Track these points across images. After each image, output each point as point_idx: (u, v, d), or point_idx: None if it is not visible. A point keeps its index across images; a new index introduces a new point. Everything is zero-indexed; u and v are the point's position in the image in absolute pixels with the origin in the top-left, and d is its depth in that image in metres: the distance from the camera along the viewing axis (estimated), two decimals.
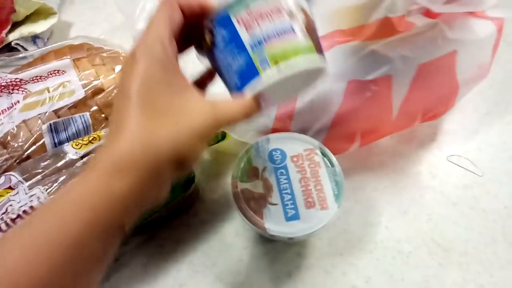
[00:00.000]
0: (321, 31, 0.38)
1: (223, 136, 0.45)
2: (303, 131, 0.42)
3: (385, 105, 0.40)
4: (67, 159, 0.36)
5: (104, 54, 0.48)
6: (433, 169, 0.46)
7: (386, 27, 0.35)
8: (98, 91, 0.44)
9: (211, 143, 0.45)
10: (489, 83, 0.52)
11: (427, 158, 0.47)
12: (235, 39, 0.26)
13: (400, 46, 0.36)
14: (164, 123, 0.24)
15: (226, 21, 0.26)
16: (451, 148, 0.48)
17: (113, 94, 0.44)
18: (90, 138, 0.38)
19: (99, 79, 0.45)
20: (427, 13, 0.35)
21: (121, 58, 0.48)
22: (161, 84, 0.24)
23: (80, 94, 0.43)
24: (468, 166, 0.46)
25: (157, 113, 0.24)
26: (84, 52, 0.48)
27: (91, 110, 0.43)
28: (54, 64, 0.45)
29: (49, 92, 0.43)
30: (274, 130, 0.43)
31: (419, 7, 0.35)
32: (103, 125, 0.43)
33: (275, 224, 0.35)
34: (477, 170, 0.46)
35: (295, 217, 0.35)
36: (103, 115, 0.44)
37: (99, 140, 0.38)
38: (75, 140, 0.38)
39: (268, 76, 0.26)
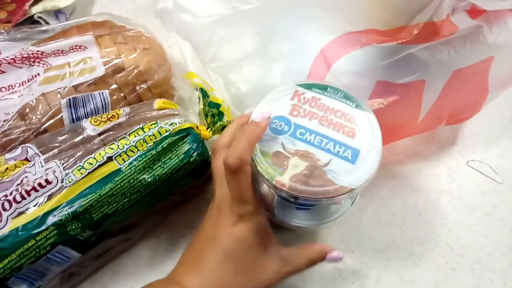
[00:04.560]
0: (355, 26, 0.37)
1: None
2: None
3: (414, 109, 0.39)
4: (84, 135, 0.36)
5: (127, 33, 0.47)
6: (452, 173, 0.45)
7: (429, 31, 0.34)
8: (118, 69, 0.44)
9: None
10: None
11: (447, 161, 0.46)
12: None
13: (438, 50, 0.35)
14: (245, 279, 0.30)
15: None
16: (471, 152, 0.47)
17: (133, 74, 0.44)
18: (109, 116, 0.37)
19: (120, 57, 0.45)
20: (471, 10, 0.34)
21: (143, 38, 0.47)
22: (256, 247, 0.30)
23: (100, 71, 0.43)
24: (489, 173, 0.45)
25: (243, 269, 0.30)
26: (106, 30, 0.47)
27: (110, 88, 0.43)
28: (76, 40, 0.45)
29: (69, 67, 0.43)
30: None
31: (467, 3, 0.33)
32: (121, 104, 0.43)
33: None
34: (497, 177, 0.45)
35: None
36: (122, 94, 0.44)
37: (118, 118, 0.38)
38: (93, 117, 0.38)
39: None
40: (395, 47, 0.36)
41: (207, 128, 0.42)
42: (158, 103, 0.40)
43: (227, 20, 0.39)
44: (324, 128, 0.32)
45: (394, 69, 0.37)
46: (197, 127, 0.40)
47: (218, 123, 0.43)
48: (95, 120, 0.37)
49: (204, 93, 0.44)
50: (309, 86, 0.35)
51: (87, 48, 0.45)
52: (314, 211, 0.34)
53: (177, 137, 0.37)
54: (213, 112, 0.44)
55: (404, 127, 0.42)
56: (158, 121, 0.38)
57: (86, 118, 0.40)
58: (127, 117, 0.38)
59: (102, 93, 0.42)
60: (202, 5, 0.39)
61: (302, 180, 0.29)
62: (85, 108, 0.41)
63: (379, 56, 0.37)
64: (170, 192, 0.38)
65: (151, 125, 0.37)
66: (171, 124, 0.38)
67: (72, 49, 0.44)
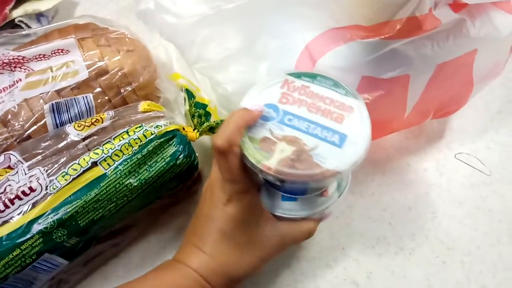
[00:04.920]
0: (340, 22, 0.37)
1: None
2: None
3: (400, 104, 0.39)
4: (68, 140, 0.35)
5: (110, 35, 0.47)
6: (440, 166, 0.45)
7: (411, 26, 0.33)
8: (102, 72, 0.43)
9: (214, 129, 0.44)
10: (502, 81, 0.51)
11: (435, 155, 0.46)
12: None
13: (422, 45, 0.35)
14: (243, 255, 0.31)
15: None
16: (459, 145, 0.47)
17: (117, 77, 0.44)
18: (93, 120, 0.37)
19: (104, 60, 0.44)
20: (454, 4, 0.34)
21: (127, 40, 0.47)
22: (249, 225, 0.32)
23: (83, 75, 0.42)
24: (476, 165, 0.45)
25: (239, 246, 0.31)
26: (89, 32, 0.47)
27: (94, 91, 0.43)
28: (58, 43, 0.44)
29: (52, 71, 0.42)
30: None
31: None
32: (106, 107, 0.42)
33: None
34: (485, 169, 0.45)
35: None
36: (106, 98, 0.43)
37: (102, 122, 0.37)
38: (77, 122, 0.37)
39: None
40: (378, 42, 0.36)
41: (194, 129, 0.42)
42: (143, 105, 0.40)
43: (210, 20, 0.38)
44: (313, 115, 0.32)
45: (379, 64, 0.37)
46: (184, 129, 0.40)
47: (205, 124, 0.42)
48: (79, 125, 0.36)
49: (190, 94, 0.43)
50: (298, 75, 0.35)
51: (69, 51, 0.44)
52: (300, 202, 0.34)
53: (162, 139, 0.36)
54: (200, 113, 0.44)
55: (391, 122, 0.42)
56: (143, 124, 0.38)
57: (70, 123, 0.39)
58: (111, 121, 0.38)
59: (86, 97, 0.42)
60: (185, 5, 0.38)
61: (288, 164, 0.29)
62: (69, 112, 0.40)
63: (363, 51, 0.37)
64: (158, 196, 0.37)
65: (136, 128, 0.37)
66: (157, 126, 0.37)
67: (54, 53, 0.44)
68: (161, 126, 0.38)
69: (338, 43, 0.37)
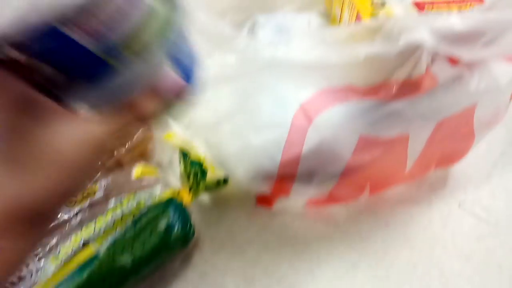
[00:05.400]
0: (334, 82, 0.36)
1: (225, 180, 0.43)
2: (310, 176, 0.40)
3: (399, 161, 0.38)
4: (60, 220, 0.34)
5: None
6: (444, 217, 0.44)
7: (409, 87, 0.33)
8: None
9: (212, 188, 0.43)
10: (503, 122, 0.50)
11: (438, 205, 0.45)
12: None
13: (421, 104, 0.34)
14: (24, 178, 0.20)
15: None
16: (463, 193, 0.46)
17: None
18: (84, 194, 0.36)
19: None
20: (452, 57, 0.33)
21: None
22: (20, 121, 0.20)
23: None
24: (481, 214, 0.44)
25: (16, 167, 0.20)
26: None
27: None
28: None
29: None
30: (280, 177, 0.41)
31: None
32: (99, 173, 0.41)
33: None
34: (490, 219, 0.44)
35: None
36: (99, 162, 0.42)
37: (94, 195, 0.36)
38: None
39: None
40: (375, 104, 0.35)
41: (190, 189, 0.40)
42: (136, 171, 0.39)
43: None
44: None
45: (376, 124, 0.36)
46: (179, 193, 0.39)
47: (201, 184, 0.41)
48: (70, 201, 0.35)
49: (185, 155, 0.42)
50: None
51: None
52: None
53: (157, 212, 0.35)
54: (196, 171, 0.43)
55: (392, 178, 0.41)
56: (137, 192, 0.37)
57: None
58: (104, 191, 0.37)
59: None
60: None
61: None
62: None
63: (359, 112, 0.36)
64: (153, 271, 0.36)
65: (130, 197, 0.36)
66: (151, 195, 0.36)
67: None
68: (156, 195, 0.36)
69: (334, 103, 0.36)
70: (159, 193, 0.37)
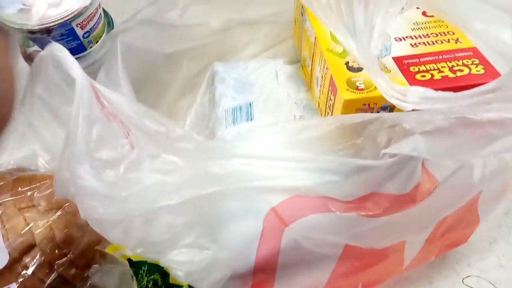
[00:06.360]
0: (308, 190, 0.29)
1: None
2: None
3: (395, 263, 0.32)
4: None
5: (37, 188, 0.38)
6: None
7: (403, 201, 0.26)
8: (27, 248, 0.35)
9: None
10: None
11: (439, 283, 0.39)
12: None
13: (419, 210, 0.28)
14: None
15: None
16: (466, 265, 0.40)
17: (48, 249, 0.35)
18: None
19: (29, 228, 0.36)
20: None
21: None
22: None
23: (3, 259, 0.34)
24: None
25: None
26: (8, 189, 0.38)
27: (19, 278, 0.34)
28: None
29: None
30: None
31: None
32: None
33: None
34: None
35: None
36: (37, 280, 0.35)
37: None
38: None
39: None
40: (361, 219, 0.28)
41: None
42: None
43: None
44: None
45: (365, 236, 0.29)
46: None
47: None
48: None
49: (137, 264, 0.35)
50: None
51: None
52: None
53: None
54: (155, 278, 0.36)
55: (389, 275, 0.35)
56: None
57: None
58: None
59: None
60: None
61: None
62: None
63: (344, 224, 0.29)
64: None
65: None
66: None
67: None
68: None
69: (313, 211, 0.30)
70: None
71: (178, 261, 0.31)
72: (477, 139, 0.24)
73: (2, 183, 0.38)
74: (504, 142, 0.24)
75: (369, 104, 0.32)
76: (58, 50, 0.28)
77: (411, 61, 0.34)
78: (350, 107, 0.32)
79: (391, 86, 0.28)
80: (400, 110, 0.28)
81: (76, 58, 0.46)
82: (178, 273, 0.32)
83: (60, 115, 0.32)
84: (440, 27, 0.36)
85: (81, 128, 0.26)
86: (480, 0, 0.31)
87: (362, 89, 0.32)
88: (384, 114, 0.26)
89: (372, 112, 0.33)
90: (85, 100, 0.26)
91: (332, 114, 0.36)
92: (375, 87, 0.31)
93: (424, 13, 0.38)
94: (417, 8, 0.38)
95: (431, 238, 0.31)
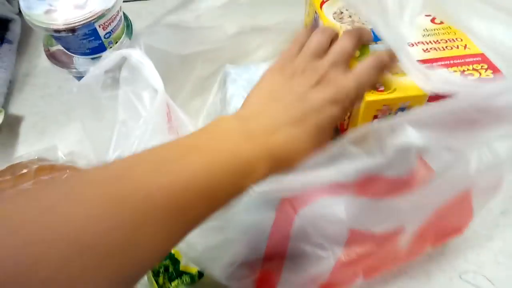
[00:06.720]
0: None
1: (200, 274, 0.39)
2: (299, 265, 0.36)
3: (391, 250, 0.34)
4: None
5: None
6: None
7: (404, 183, 0.28)
8: None
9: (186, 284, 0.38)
10: None
11: (438, 278, 0.41)
12: None
13: (415, 196, 0.30)
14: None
15: None
16: (463, 261, 0.42)
17: None
18: None
19: None
20: None
21: None
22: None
23: None
24: (485, 286, 0.40)
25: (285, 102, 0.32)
26: (30, 176, 0.40)
27: None
28: None
29: None
30: (265, 267, 0.36)
31: None
32: None
33: None
34: None
35: None
36: None
37: None
38: None
39: None
40: (365, 200, 0.30)
41: None
42: None
43: None
44: None
45: (368, 219, 0.32)
46: None
47: (175, 281, 0.37)
48: None
49: None
50: None
51: None
52: None
53: None
54: (166, 264, 0.38)
55: (388, 263, 0.37)
56: None
57: None
58: None
59: None
60: None
61: None
62: None
63: (349, 206, 0.31)
64: None
65: None
66: None
67: None
68: None
69: (321, 194, 0.32)
70: None
71: (193, 243, 0.33)
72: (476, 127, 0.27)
73: (25, 170, 0.41)
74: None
75: (388, 105, 0.34)
76: (141, 58, 0.31)
77: (424, 65, 0.36)
78: (371, 108, 0.34)
79: (416, 67, 0.31)
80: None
81: (96, 57, 0.49)
82: (192, 255, 0.34)
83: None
84: (449, 34, 0.38)
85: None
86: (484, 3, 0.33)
87: (382, 91, 0.34)
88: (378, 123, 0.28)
89: (390, 114, 0.35)
90: (161, 112, 0.29)
91: (351, 115, 0.38)
92: (394, 88, 0.34)
93: (433, 20, 0.40)
94: (426, 15, 0.40)
95: (426, 227, 0.33)
